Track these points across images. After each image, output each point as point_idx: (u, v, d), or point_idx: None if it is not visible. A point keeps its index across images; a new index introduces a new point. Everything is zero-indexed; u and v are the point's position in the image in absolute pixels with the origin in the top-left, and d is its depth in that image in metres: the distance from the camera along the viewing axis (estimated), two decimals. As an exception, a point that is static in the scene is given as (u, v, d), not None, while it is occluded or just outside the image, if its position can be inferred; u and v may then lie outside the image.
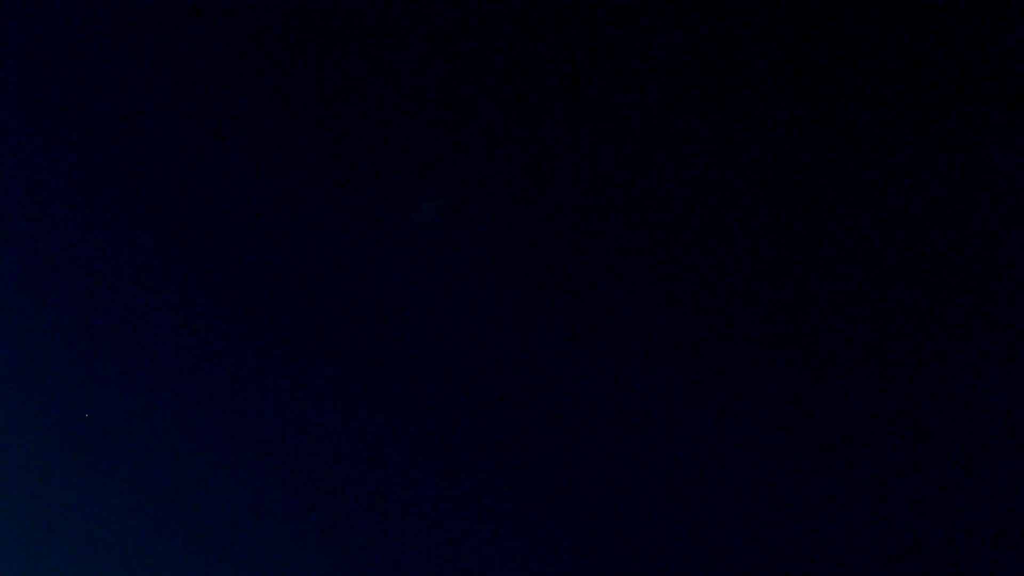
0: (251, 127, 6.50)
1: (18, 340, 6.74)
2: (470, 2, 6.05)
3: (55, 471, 6.65)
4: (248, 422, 6.56)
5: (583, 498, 6.06)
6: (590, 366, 6.01)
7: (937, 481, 5.55)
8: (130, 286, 6.72)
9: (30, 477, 6.65)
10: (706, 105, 5.82)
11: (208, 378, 6.59)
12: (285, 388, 6.48)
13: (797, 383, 5.78)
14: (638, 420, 5.95)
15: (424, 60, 6.20)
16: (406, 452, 6.33)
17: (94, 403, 6.67)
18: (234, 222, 6.54)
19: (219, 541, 6.51)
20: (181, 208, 6.56)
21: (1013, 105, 5.36)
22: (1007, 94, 5.38)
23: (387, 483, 6.34)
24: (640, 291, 5.93)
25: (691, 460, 5.90)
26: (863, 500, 5.66)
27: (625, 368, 5.96)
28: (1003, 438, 5.45)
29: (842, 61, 5.66)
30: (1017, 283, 5.42)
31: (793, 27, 5.73)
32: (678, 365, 5.91)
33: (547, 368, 6.05)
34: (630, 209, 5.93)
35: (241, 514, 6.50)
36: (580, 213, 5.99)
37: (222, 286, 6.61)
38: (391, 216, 6.16)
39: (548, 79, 5.99)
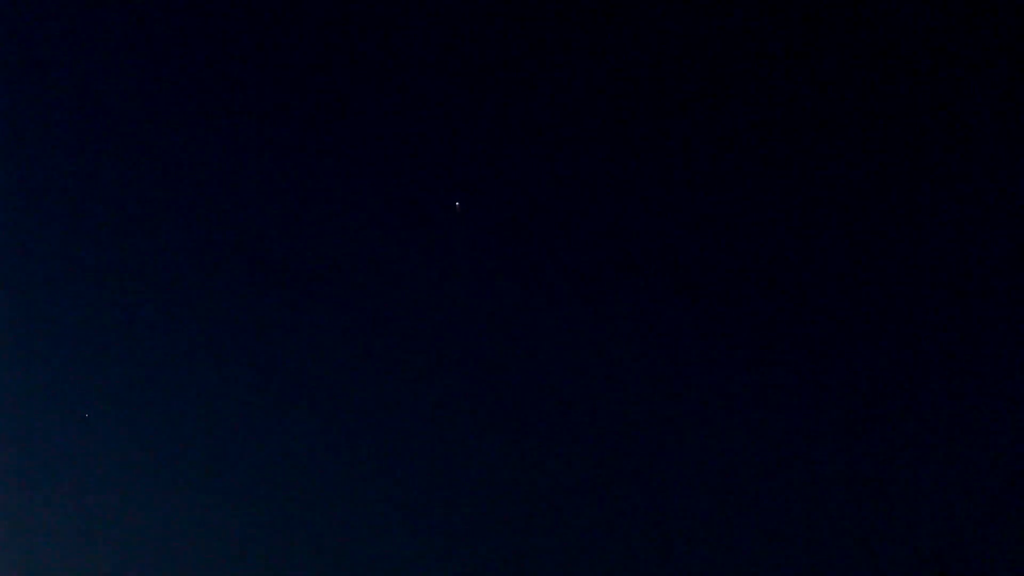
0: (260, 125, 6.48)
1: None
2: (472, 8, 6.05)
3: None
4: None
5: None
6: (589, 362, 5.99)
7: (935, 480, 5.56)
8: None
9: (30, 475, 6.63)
10: (705, 105, 5.83)
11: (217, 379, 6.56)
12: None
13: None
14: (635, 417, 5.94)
15: (427, 62, 6.20)
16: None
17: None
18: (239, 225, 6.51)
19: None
20: (188, 210, 6.54)
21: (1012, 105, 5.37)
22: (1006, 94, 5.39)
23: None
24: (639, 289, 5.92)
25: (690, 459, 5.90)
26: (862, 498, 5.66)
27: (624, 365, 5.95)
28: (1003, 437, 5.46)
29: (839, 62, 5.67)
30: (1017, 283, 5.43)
31: (790, 28, 5.73)
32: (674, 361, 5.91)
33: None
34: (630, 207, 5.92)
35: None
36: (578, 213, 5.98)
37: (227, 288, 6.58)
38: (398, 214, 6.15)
39: (548, 81, 5.98)
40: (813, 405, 5.77)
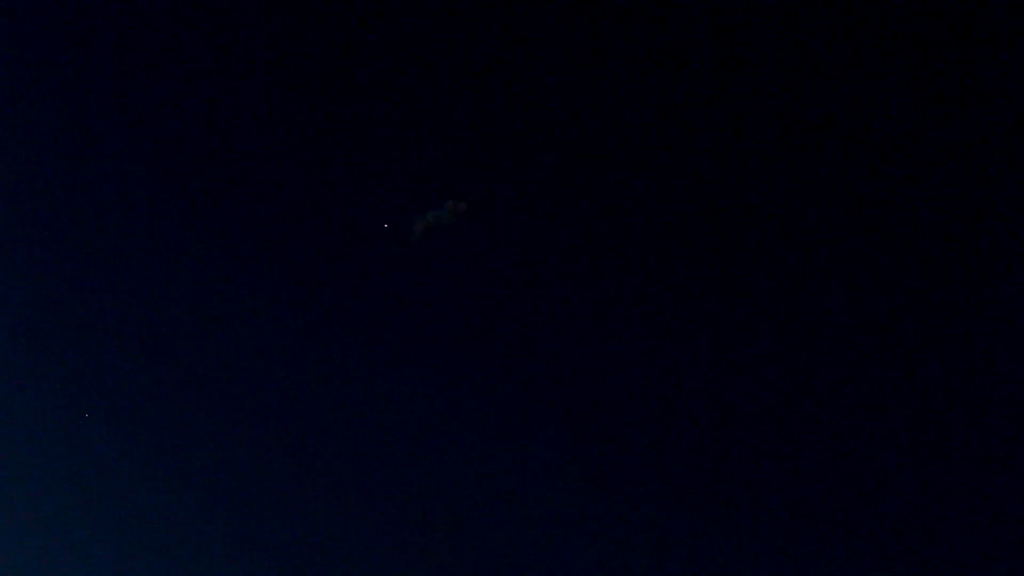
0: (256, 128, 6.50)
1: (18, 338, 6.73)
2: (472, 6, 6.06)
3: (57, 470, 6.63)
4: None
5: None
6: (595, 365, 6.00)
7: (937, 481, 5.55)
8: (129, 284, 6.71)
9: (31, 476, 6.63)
10: (708, 107, 5.83)
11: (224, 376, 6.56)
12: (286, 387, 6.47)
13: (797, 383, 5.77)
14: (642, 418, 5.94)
15: (426, 63, 6.21)
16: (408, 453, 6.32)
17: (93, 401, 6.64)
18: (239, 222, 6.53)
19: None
20: (188, 210, 6.56)
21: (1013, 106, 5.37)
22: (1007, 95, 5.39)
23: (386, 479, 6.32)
24: (643, 291, 5.93)
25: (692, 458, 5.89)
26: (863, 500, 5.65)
27: (629, 368, 5.95)
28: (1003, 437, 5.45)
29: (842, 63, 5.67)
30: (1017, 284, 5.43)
31: (793, 28, 5.74)
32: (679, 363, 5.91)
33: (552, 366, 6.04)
34: (632, 209, 5.93)
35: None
36: (582, 214, 5.99)
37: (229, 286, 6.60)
38: (396, 218, 6.17)
39: (551, 82, 5.99)
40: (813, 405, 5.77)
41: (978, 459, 5.48)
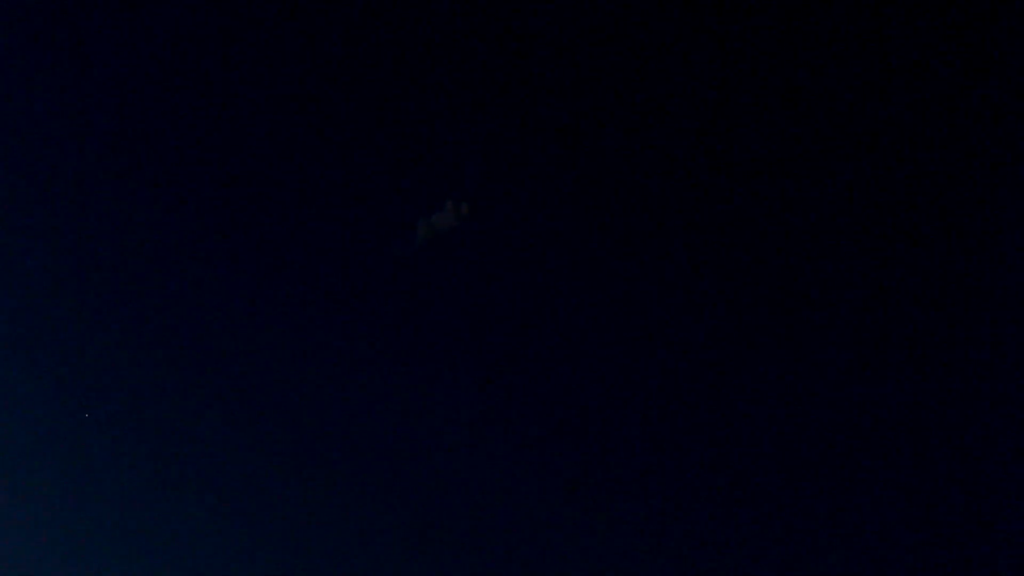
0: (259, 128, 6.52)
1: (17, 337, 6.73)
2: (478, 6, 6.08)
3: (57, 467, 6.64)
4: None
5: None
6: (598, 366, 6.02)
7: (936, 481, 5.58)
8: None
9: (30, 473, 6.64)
10: (712, 107, 5.85)
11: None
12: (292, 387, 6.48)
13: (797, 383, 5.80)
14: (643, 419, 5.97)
15: (431, 62, 6.22)
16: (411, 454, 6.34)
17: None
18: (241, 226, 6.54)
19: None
20: (190, 213, 6.57)
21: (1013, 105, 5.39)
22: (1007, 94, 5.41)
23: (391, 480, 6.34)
24: (648, 292, 5.95)
25: (693, 459, 5.92)
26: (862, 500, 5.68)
27: (632, 369, 5.98)
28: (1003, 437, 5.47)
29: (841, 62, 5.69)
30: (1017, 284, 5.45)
31: (792, 28, 5.76)
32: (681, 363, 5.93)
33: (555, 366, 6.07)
34: (636, 209, 5.95)
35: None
36: (587, 214, 6.01)
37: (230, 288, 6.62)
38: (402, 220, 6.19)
39: (555, 82, 6.01)
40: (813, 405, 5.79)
41: (978, 459, 5.51)
